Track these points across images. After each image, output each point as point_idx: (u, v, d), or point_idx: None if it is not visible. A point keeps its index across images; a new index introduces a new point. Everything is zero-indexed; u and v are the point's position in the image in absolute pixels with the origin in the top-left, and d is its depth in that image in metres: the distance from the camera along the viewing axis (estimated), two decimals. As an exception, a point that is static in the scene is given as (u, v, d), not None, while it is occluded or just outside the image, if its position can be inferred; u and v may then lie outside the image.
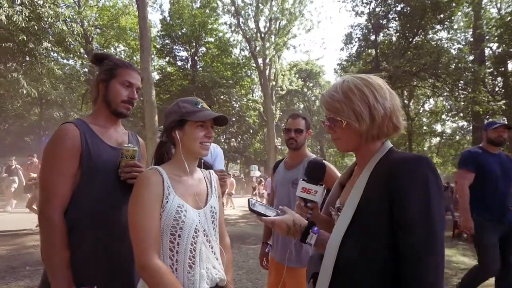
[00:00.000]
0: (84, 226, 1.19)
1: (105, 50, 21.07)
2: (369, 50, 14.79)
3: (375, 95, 0.89)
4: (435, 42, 13.40)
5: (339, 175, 1.88)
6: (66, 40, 13.61)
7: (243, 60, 22.99)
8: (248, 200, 1.08)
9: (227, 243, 1.33)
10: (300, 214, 1.10)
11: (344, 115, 0.91)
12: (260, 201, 1.16)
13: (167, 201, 1.06)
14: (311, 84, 29.11)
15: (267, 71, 19.83)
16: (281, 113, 24.29)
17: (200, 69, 22.97)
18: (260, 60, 19.38)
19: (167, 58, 23.48)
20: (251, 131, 26.09)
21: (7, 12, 10.64)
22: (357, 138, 0.93)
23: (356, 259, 0.81)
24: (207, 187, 1.25)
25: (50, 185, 1.16)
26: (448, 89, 13.85)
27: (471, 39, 15.59)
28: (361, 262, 0.81)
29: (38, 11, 11.72)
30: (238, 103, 23.34)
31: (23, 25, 11.27)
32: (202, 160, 2.07)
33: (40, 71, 13.30)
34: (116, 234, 1.24)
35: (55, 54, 15.08)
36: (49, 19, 12.36)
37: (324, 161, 1.91)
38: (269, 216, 1.02)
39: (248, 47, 19.87)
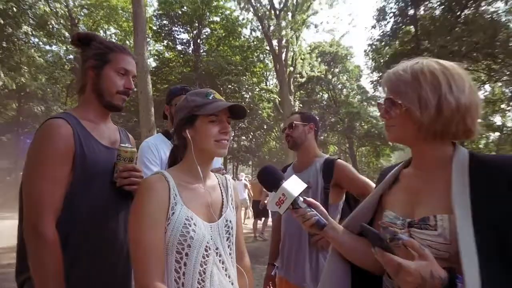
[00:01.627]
0: (79, 239, 1.21)
1: (93, 34, 21.53)
2: (407, 27, 14.48)
3: (450, 85, 0.90)
4: (489, 16, 12.96)
5: (353, 170, 2.02)
6: (49, 22, 13.98)
7: (255, 43, 22.94)
8: (362, 224, 0.98)
9: (247, 265, 1.32)
10: (306, 222, 1.09)
11: (406, 99, 0.93)
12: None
13: (173, 212, 1.06)
14: (336, 70, 28.60)
15: (283, 55, 19.67)
16: (300, 105, 24.17)
17: (204, 54, 23.09)
18: (274, 42, 19.28)
19: (165, 42, 23.72)
20: (265, 127, 25.98)
21: (-18, -8, 11.02)
22: (415, 130, 0.94)
23: None
24: (222, 195, 1.25)
25: (40, 194, 1.16)
26: (508, 72, 13.42)
27: (537, 10, 15.01)
28: None
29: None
30: (249, 93, 23.28)
31: (0, 7, 11.64)
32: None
33: (19, 59, 13.72)
34: (113, 247, 1.29)
35: (36, 40, 15.53)
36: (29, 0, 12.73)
37: (338, 159, 2.06)
38: (391, 252, 0.85)
39: (260, 27, 19.84)
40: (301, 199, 1.10)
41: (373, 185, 2.00)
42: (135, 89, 1.42)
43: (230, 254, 1.18)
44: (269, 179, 1.16)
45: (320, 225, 1.08)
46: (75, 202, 1.21)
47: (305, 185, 1.13)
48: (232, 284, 1.16)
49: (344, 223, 1.17)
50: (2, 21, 12.12)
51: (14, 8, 12.50)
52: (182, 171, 1.17)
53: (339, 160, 2.06)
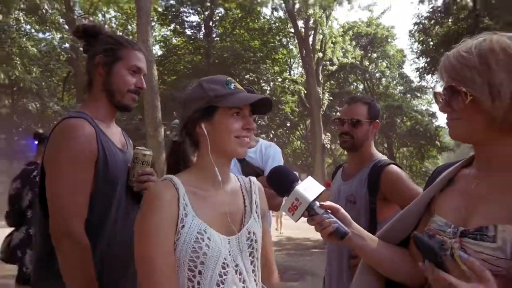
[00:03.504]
0: (103, 246, 1.35)
1: (91, 18, 21.96)
2: (464, 1, 14.09)
3: None
4: None
5: (403, 179, 1.94)
6: (41, 7, 14.33)
7: (277, 24, 22.95)
8: (416, 234, 0.97)
9: (275, 284, 1.34)
10: (324, 231, 1.08)
11: (472, 86, 0.90)
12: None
13: (183, 226, 1.07)
14: (374, 55, 28.47)
15: (311, 39, 19.63)
16: (330, 98, 24.01)
17: (217, 39, 23.30)
18: (300, 23, 19.29)
19: (172, 26, 24.00)
20: (288, 124, 26.03)
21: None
22: (485, 124, 0.92)
23: None
24: (244, 203, 1.26)
25: (70, 198, 1.28)
26: None
27: None
28: None
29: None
30: (270, 84, 23.33)
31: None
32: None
33: (10, 50, 14.12)
34: (132, 254, 1.43)
35: (28, 27, 15.96)
36: (20, -19, 13.11)
37: (391, 164, 1.99)
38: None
39: (283, 5, 19.80)
40: (317, 204, 1.09)
41: None
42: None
43: (253, 271, 1.19)
44: (280, 181, 1.16)
45: (340, 234, 1.07)
46: (97, 208, 1.34)
47: (322, 188, 1.12)
48: None
49: (380, 233, 1.18)
50: (-9, 6, 12.55)
51: (4, -8, 12.93)
52: (195, 175, 1.18)
53: (389, 165, 1.96)
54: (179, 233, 1.07)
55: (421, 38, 15.84)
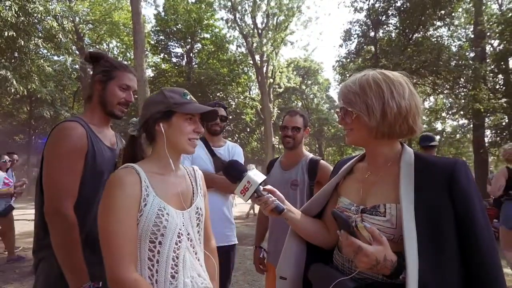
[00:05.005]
0: (89, 225, 1.24)
1: (97, 47, 20.88)
2: (369, 47, 14.78)
3: (392, 92, 0.90)
4: (435, 39, 13.44)
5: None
6: (57, 36, 13.47)
7: (240, 57, 22.91)
8: (334, 210, 0.95)
9: (213, 247, 1.24)
10: (267, 206, 1.05)
11: (355, 107, 0.93)
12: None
13: (146, 204, 0.96)
14: (309, 82, 29.01)
15: (265, 68, 19.75)
16: (278, 111, 24.29)
17: (196, 66, 22.86)
18: (257, 57, 19.32)
19: (162, 55, 23.30)
20: (248, 130, 26.05)
21: (-4, 8, 10.51)
22: (367, 133, 0.94)
23: (436, 281, 0.79)
24: (192, 185, 1.17)
25: (62, 183, 1.18)
26: (448, 87, 13.92)
27: (472, 36, 15.67)
28: (441, 283, 0.80)
29: (27, 7, 11.56)
30: (235, 100, 23.25)
31: (13, 20, 11.13)
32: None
33: (30, 68, 13.15)
34: None
35: (45, 51, 14.91)
36: (39, 15, 12.23)
37: (321, 160, 2.00)
38: (354, 235, 0.85)
39: (245, 44, 19.82)
40: (261, 188, 1.05)
41: None
42: (135, 96, 1.48)
43: (199, 238, 1.12)
44: (235, 170, 1.09)
45: (279, 210, 1.04)
46: (85, 193, 1.24)
47: (264, 177, 1.08)
48: (201, 266, 1.10)
49: (302, 208, 1.15)
50: (14, 34, 11.59)
51: (25, 22, 11.98)
52: (153, 163, 1.06)
53: (322, 161, 2.00)
54: (142, 210, 0.96)
55: (341, 71, 16.19)
